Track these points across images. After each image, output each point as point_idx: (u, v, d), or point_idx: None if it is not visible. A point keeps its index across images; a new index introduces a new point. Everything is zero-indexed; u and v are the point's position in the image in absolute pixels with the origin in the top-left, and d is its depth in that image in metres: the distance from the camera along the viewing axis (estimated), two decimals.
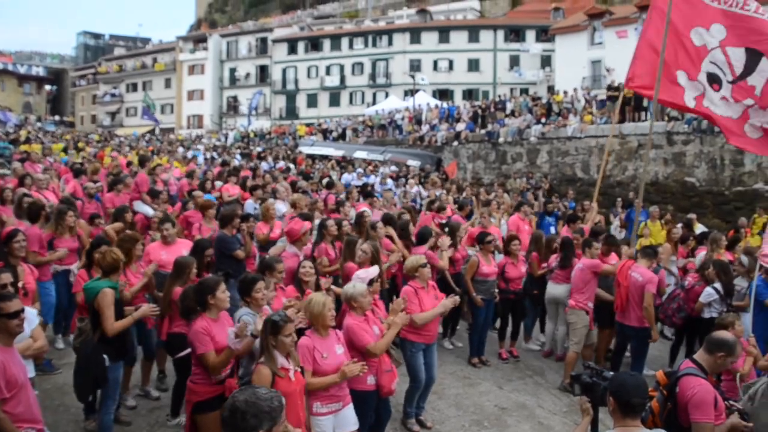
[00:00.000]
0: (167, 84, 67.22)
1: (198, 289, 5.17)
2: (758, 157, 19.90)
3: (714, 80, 7.76)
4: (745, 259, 8.06)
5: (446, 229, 9.56)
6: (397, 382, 5.82)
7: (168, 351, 6.64)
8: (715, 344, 4.52)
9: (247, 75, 63.06)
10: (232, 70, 64.47)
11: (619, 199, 18.16)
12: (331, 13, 76.24)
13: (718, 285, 8.14)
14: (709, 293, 8.15)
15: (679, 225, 12.02)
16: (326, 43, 59.91)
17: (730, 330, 5.53)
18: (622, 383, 3.62)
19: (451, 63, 54.77)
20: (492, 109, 30.32)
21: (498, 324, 9.55)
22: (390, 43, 57.16)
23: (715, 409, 4.25)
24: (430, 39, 55.83)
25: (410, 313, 6.55)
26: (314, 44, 60.47)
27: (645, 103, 23.55)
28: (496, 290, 8.91)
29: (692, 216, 13.42)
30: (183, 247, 7.53)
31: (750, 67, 7.53)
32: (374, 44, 57.84)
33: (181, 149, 30.26)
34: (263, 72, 62.51)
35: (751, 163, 20.16)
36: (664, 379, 4.53)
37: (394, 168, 23.62)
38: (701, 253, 9.93)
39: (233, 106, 63.46)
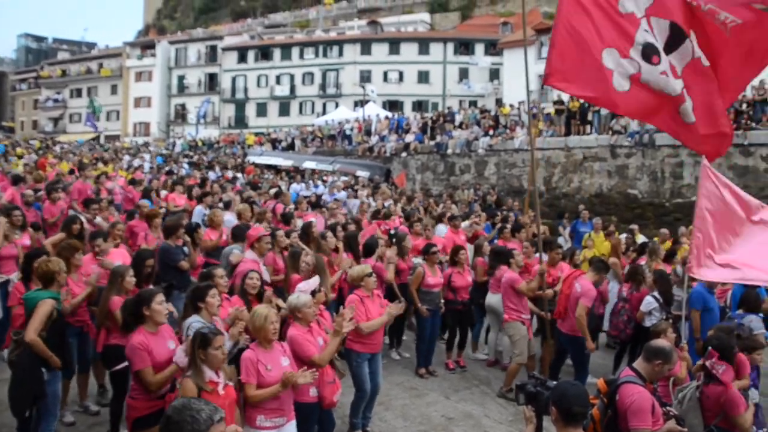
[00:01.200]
0: (113, 90, 65.81)
1: (133, 301, 5.05)
2: (696, 170, 20.56)
3: (653, 51, 6.61)
4: (680, 269, 8.30)
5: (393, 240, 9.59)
6: (340, 393, 5.79)
7: (104, 364, 6.46)
8: (653, 352, 4.65)
9: (200, 83, 62.18)
10: (181, 78, 63.57)
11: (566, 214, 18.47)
12: (282, 23, 76.03)
13: (657, 294, 8.36)
14: (649, 302, 8.35)
15: (624, 235, 12.30)
16: (277, 53, 59.68)
17: (663, 337, 5.70)
18: (564, 392, 3.68)
19: (401, 74, 55.23)
20: (441, 121, 30.58)
21: (446, 334, 9.57)
22: (341, 53, 57.30)
23: (653, 415, 4.36)
24: (380, 50, 56.19)
25: (358, 322, 6.57)
26: (264, 53, 60.16)
27: (590, 116, 24.15)
28: (442, 301, 8.94)
29: (634, 227, 13.77)
30: (119, 258, 7.33)
31: (671, 44, 6.62)
32: (325, 54, 57.87)
33: (127, 157, 29.65)
34: (212, 80, 61.82)
35: (690, 176, 20.84)
36: (605, 387, 4.63)
37: (345, 178, 23.62)
38: (641, 263, 10.18)
39: (181, 114, 62.54)
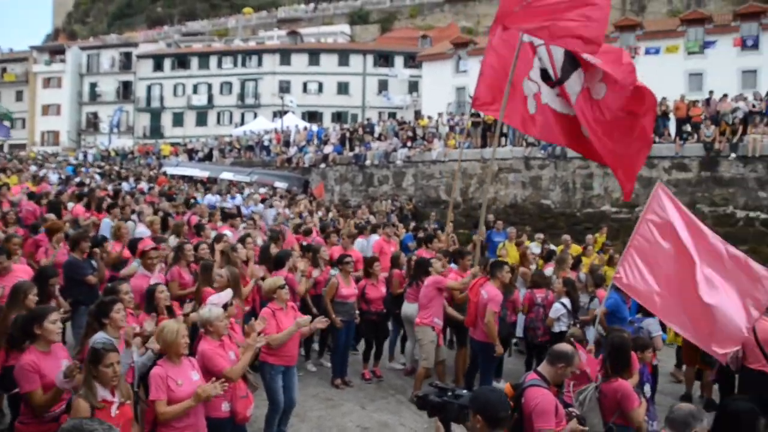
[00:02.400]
0: (18, 96, 62.54)
1: (25, 318, 4.86)
2: (605, 181, 21.51)
3: (547, 77, 7.16)
4: (582, 276, 8.63)
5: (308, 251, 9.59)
6: (253, 407, 5.74)
7: (2, 386, 6.15)
8: (556, 356, 4.83)
9: (113, 91, 60.13)
10: (93, 85, 61.26)
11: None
12: (199, 31, 74.72)
13: (565, 300, 8.66)
14: (557, 308, 8.65)
15: (532, 244, 12.69)
16: (194, 61, 58.47)
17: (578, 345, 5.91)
18: (487, 400, 3.74)
19: (320, 85, 55.17)
20: (360, 132, 30.75)
21: (360, 345, 9.62)
22: (260, 63, 56.76)
23: (556, 416, 4.53)
24: (300, 61, 55.98)
25: (268, 335, 6.54)
26: (181, 62, 58.84)
27: (505, 129, 24.80)
28: (357, 312, 8.97)
29: (540, 236, 14.26)
30: (21, 274, 7.01)
31: (566, 73, 7.08)
32: (244, 64, 57.16)
33: (33, 167, 28.33)
34: (126, 88, 59.88)
35: (599, 187, 21.75)
36: (511, 391, 4.76)
37: (263, 190, 23.40)
38: (548, 269, 10.55)
39: (93, 123, 60.23)
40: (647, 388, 6.23)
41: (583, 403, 5.43)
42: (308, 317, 6.84)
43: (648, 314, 7.69)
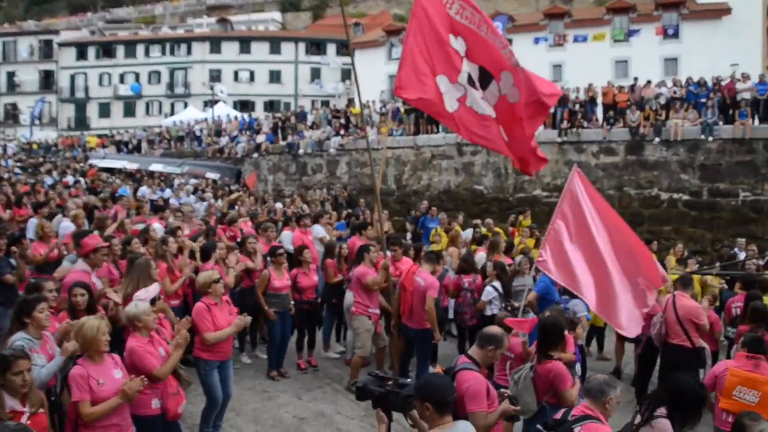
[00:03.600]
0: None
1: None
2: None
3: (473, 83, 7.38)
4: (518, 259, 8.75)
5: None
6: (184, 404, 5.63)
7: None
8: (486, 339, 4.88)
9: (34, 80, 57.56)
10: (11, 75, 58.52)
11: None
12: (125, 18, 72.44)
13: (497, 284, 8.78)
14: (489, 292, 8.77)
15: (469, 230, 12.84)
16: (120, 50, 56.81)
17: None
18: (434, 386, 3.77)
19: (252, 74, 54.54)
20: (292, 121, 30.45)
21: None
22: (189, 51, 55.58)
23: (488, 398, 4.58)
24: (230, 49, 55.16)
25: (204, 331, 6.42)
26: (107, 50, 57.01)
27: None
28: (291, 303, 8.89)
29: (477, 221, 14.44)
30: None
31: (484, 85, 7.36)
32: (172, 52, 55.86)
33: None
34: (48, 78, 57.61)
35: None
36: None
37: (195, 181, 22.93)
38: (480, 254, 10.69)
39: (12, 115, 57.68)
40: (578, 367, 6.37)
41: (518, 382, 5.54)
42: (248, 318, 6.77)
43: (574, 295, 7.91)
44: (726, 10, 34.49)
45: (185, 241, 9.04)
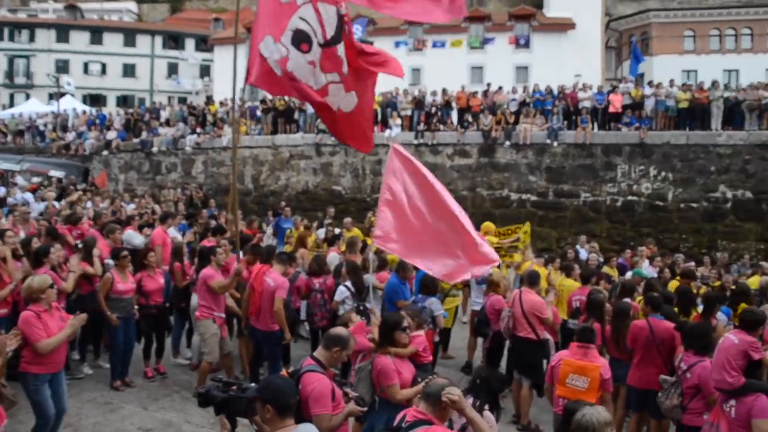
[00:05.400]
0: None
1: None
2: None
3: (303, 40, 6.61)
4: (371, 257, 8.76)
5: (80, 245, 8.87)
6: (7, 423, 5.16)
7: None
8: (331, 340, 4.84)
9: None
10: None
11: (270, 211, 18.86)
12: None
13: (349, 283, 8.77)
14: (341, 291, 8.75)
15: (321, 230, 12.81)
16: None
17: (350, 326, 6.11)
18: (277, 388, 3.71)
19: (104, 67, 51.93)
20: (146, 118, 29.23)
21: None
22: (32, 38, 51.96)
23: (333, 399, 4.55)
24: (80, 39, 52.12)
25: (36, 341, 5.96)
26: None
27: (296, 115, 24.86)
28: (136, 307, 8.49)
29: (328, 221, 14.49)
30: None
31: (339, 35, 6.70)
32: (12, 38, 51.94)
33: None
34: None
35: None
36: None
37: (36, 179, 21.37)
38: (332, 254, 10.73)
39: None
40: None
41: (359, 374, 5.59)
42: (83, 315, 6.39)
43: (429, 294, 8.06)
44: (571, 25, 36.91)
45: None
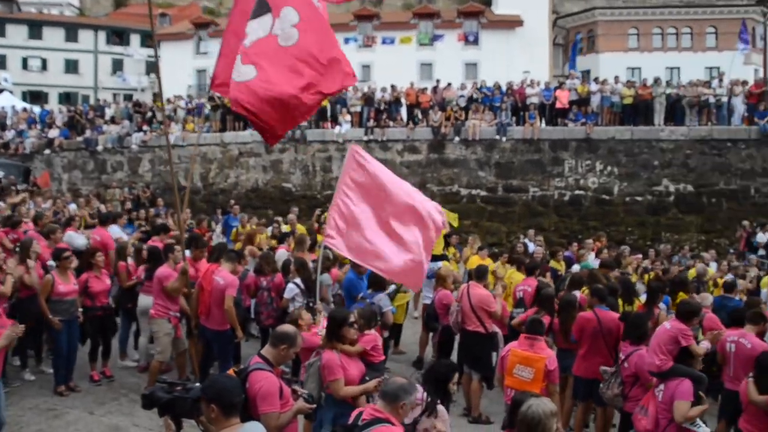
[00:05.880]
0: None
1: None
2: (342, 164, 22.29)
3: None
4: (326, 253, 8.74)
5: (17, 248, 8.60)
6: None
7: None
8: (278, 338, 4.80)
9: None
10: None
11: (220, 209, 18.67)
12: None
13: (298, 280, 8.73)
14: (291, 289, 8.73)
15: (269, 228, 12.72)
16: None
17: (300, 322, 6.11)
18: (222, 387, 3.71)
19: (44, 62, 50.39)
20: (90, 115, 28.50)
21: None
22: None
23: (281, 397, 4.51)
24: (17, 33, 50.41)
25: None
26: None
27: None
28: (80, 309, 8.26)
29: (279, 218, 14.43)
30: None
31: (258, 11, 6.87)
32: None
33: None
34: None
35: (338, 170, 22.44)
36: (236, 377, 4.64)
37: None
38: (280, 251, 10.69)
39: None
40: None
41: (309, 370, 5.67)
42: (20, 327, 6.14)
43: (378, 289, 8.07)
44: (519, 22, 37.46)
45: None
